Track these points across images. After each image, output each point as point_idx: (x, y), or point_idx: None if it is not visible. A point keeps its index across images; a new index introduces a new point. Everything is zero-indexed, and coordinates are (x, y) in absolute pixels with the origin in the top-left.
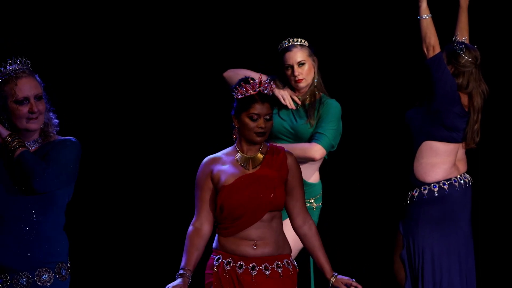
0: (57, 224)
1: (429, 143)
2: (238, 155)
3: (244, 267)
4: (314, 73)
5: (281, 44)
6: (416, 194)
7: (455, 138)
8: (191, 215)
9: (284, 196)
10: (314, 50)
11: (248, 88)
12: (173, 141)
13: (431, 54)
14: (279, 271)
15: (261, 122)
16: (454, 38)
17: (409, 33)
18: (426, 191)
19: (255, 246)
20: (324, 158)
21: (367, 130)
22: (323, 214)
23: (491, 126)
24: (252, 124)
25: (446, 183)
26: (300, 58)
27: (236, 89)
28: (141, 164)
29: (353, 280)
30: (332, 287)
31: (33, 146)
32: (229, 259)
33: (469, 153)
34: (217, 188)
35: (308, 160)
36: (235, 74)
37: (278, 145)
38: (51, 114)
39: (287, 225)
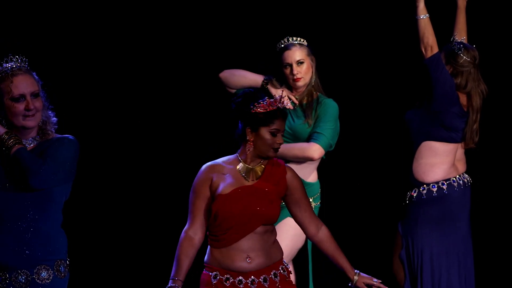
0: (55, 222)
1: (428, 143)
2: (241, 165)
3: (243, 281)
4: (312, 72)
5: (280, 43)
6: (415, 194)
7: (454, 138)
8: (187, 214)
9: (279, 211)
10: (312, 50)
11: (271, 103)
12: (172, 140)
13: (429, 54)
14: (277, 280)
15: (279, 138)
16: (452, 38)
17: (407, 33)
18: (425, 191)
19: (249, 260)
20: (322, 157)
21: (366, 130)
22: (321, 214)
23: (490, 126)
24: (272, 139)
25: (445, 183)
26: (299, 57)
27: (259, 103)
28: (140, 162)
29: (376, 280)
30: (353, 287)
31: (31, 143)
32: (227, 276)
33: (468, 153)
34: (214, 196)
35: (307, 159)
36: (231, 75)
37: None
38: (50, 112)
39: (286, 224)
